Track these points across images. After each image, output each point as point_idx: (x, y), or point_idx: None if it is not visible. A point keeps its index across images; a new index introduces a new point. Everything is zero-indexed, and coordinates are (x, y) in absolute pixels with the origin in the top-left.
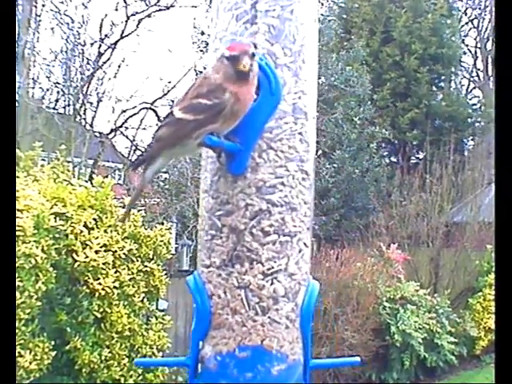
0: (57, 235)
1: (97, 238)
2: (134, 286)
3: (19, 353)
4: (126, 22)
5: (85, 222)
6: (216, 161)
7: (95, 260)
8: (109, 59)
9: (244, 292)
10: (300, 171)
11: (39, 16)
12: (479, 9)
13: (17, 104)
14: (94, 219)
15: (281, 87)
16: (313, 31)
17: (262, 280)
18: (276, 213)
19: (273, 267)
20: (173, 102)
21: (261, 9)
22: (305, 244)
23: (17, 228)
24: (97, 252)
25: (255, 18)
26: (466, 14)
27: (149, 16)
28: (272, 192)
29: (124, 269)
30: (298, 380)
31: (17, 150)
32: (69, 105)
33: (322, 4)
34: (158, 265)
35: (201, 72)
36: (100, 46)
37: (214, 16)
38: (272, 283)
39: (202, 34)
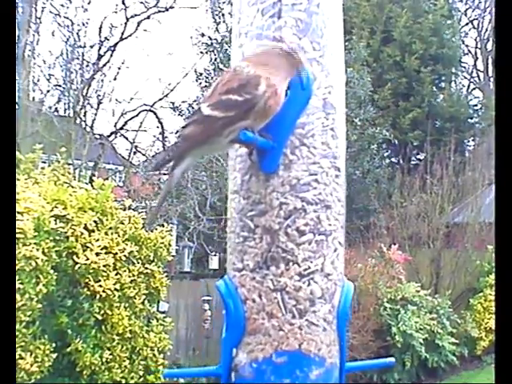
0: (57, 237)
1: (97, 240)
2: (134, 288)
3: (20, 355)
4: (126, 24)
5: (85, 224)
6: (246, 160)
7: (96, 262)
8: (108, 61)
9: (280, 295)
10: (333, 168)
11: (39, 18)
12: (479, 9)
13: (17, 106)
14: (95, 221)
15: (311, 82)
16: (339, 25)
17: (298, 281)
18: (311, 211)
19: (309, 267)
20: (173, 103)
21: (287, 2)
22: (339, 243)
23: (17, 230)
24: (97, 254)
25: (281, 11)
26: (466, 15)
27: (148, 18)
28: (306, 190)
29: (125, 271)
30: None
31: (17, 153)
32: (69, 107)
33: None
34: (159, 267)
35: (200, 73)
36: (100, 48)
37: (236, 11)
38: (309, 284)
39: (202, 35)
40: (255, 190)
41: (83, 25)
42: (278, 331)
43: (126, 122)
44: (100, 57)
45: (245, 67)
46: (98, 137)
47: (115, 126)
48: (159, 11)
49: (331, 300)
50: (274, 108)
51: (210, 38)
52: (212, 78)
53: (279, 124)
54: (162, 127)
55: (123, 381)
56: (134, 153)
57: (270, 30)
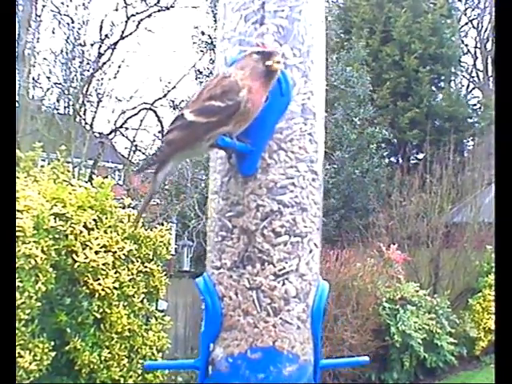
0: (56, 236)
1: (96, 238)
2: (133, 287)
3: (19, 353)
4: (126, 22)
5: (84, 223)
6: (226, 162)
7: (95, 261)
8: (109, 60)
9: (256, 293)
10: (310, 172)
11: (39, 16)
12: (479, 9)
13: (17, 104)
14: (94, 220)
15: (291, 88)
16: (321, 32)
17: (273, 281)
18: (287, 213)
19: (284, 268)
20: (173, 102)
21: (269, 9)
22: (315, 244)
23: (17, 228)
24: (96, 253)
25: (264, 18)
26: (465, 14)
27: (149, 16)
28: (283, 193)
29: (124, 269)
30: (308, 380)
31: (17, 151)
32: (69, 105)
33: None
34: (158, 265)
35: (201, 72)
36: (100, 46)
37: (221, 16)
38: (283, 284)
39: (203, 34)
40: (234, 191)
41: (84, 23)
42: (253, 328)
43: (125, 121)
44: (100, 55)
45: (231, 73)
46: (97, 135)
47: (115, 124)
48: (160, 10)
49: (305, 299)
50: (254, 111)
51: (210, 37)
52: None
53: (258, 129)
54: (162, 126)
55: (122, 379)
56: (134, 151)
57: (252, 36)
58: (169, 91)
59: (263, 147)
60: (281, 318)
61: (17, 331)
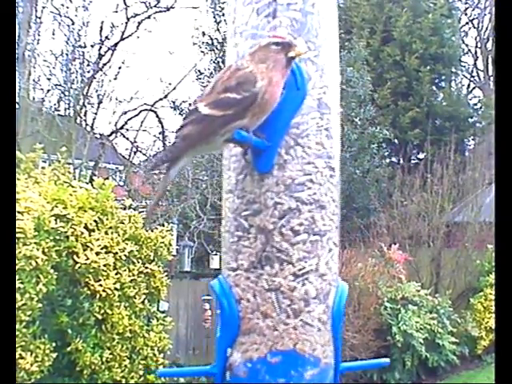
0: (57, 237)
1: (97, 239)
2: (134, 288)
3: (20, 354)
4: (126, 23)
5: (85, 224)
6: (241, 159)
7: (96, 262)
8: (109, 61)
9: (275, 294)
10: (328, 168)
11: (40, 18)
12: (479, 9)
13: (17, 106)
14: (95, 221)
15: (306, 82)
16: (334, 25)
17: (293, 281)
18: (305, 211)
19: (304, 268)
20: (174, 103)
21: (282, 2)
22: (334, 243)
23: (17, 230)
24: (97, 254)
25: (276, 11)
26: (466, 14)
27: (149, 17)
28: (301, 190)
29: (125, 270)
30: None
31: (17, 152)
32: (69, 107)
33: None
34: (159, 266)
35: (201, 73)
36: (100, 47)
37: (231, 11)
38: (303, 284)
39: (203, 34)
40: (249, 189)
41: (84, 24)
42: (273, 331)
43: (126, 122)
44: (100, 56)
45: (244, 64)
46: (98, 136)
47: (116, 125)
48: (160, 11)
49: (326, 300)
50: (272, 103)
51: (211, 38)
52: (213, 77)
53: (274, 124)
54: (163, 127)
55: (123, 380)
56: (135, 152)
57: (264, 29)
58: (169, 92)
59: (279, 143)
60: (301, 320)
61: (18, 332)
